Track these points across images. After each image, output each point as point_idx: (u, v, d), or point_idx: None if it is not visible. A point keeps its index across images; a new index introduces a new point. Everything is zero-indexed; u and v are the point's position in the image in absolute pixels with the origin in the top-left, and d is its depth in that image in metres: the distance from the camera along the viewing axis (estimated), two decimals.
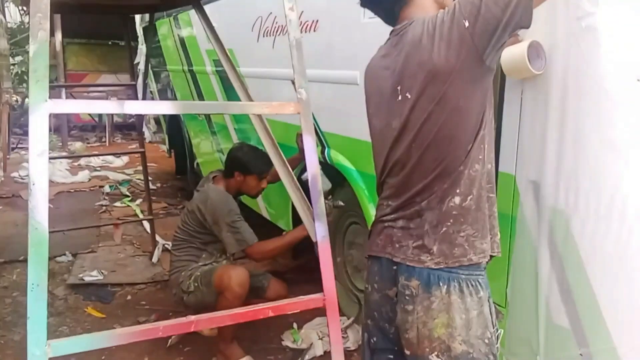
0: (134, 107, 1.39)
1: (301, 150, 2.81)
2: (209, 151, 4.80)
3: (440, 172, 1.31)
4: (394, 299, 1.40)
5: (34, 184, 1.04)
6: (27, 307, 1.05)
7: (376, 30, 2.34)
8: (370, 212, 2.50)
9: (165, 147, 6.49)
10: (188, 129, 5.31)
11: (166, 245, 4.10)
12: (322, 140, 2.87)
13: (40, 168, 1.05)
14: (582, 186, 1.50)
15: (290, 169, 1.60)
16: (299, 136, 2.80)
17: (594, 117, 1.47)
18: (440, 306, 1.30)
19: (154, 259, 3.99)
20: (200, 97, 4.64)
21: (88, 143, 9.61)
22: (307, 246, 2.75)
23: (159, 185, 6.37)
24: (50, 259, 3.46)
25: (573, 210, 1.53)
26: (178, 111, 1.46)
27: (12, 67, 10.75)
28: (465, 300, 1.31)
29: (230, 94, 3.90)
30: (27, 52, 8.60)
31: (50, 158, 3.87)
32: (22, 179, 6.63)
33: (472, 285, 1.32)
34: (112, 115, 9.37)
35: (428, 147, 1.31)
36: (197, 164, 5.20)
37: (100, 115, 9.82)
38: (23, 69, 10.44)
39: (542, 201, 1.61)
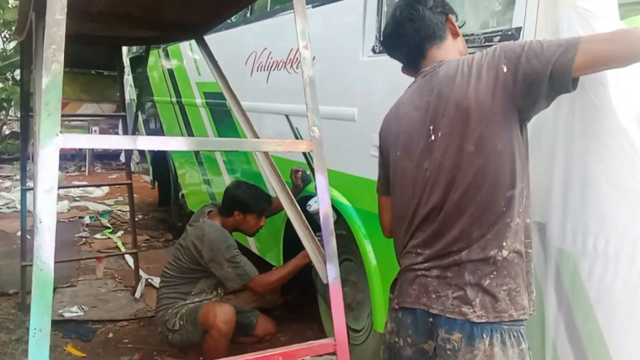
0: (146, 143, 1.35)
1: (295, 186, 2.78)
2: (195, 182, 4.74)
3: (478, 217, 1.28)
4: (429, 353, 1.35)
5: (40, 222, 0.99)
6: (28, 354, 0.98)
7: (375, 67, 2.36)
8: (367, 248, 2.46)
9: (148, 178, 6.38)
10: (174, 160, 5.25)
11: (149, 280, 3.99)
12: None
13: (49, 205, 1.00)
14: (590, 228, 1.49)
15: (298, 207, 1.57)
16: (293, 172, 2.78)
17: (601, 158, 1.47)
18: (483, 359, 1.27)
19: (137, 294, 3.86)
20: (189, 130, 4.60)
21: (67, 172, 9.41)
22: (295, 283, 2.70)
23: (140, 216, 6.24)
24: (27, 292, 3.33)
25: (581, 252, 1.51)
26: (191, 148, 1.42)
27: None
28: (507, 353, 1.27)
29: (220, 127, 3.87)
30: (8, 80, 8.44)
31: (28, 188, 3.76)
32: None
33: (514, 336, 1.29)
34: None
35: (466, 191, 1.28)
36: (182, 195, 5.12)
37: None
38: (3, 96, 10.25)
39: (549, 242, 1.59)
